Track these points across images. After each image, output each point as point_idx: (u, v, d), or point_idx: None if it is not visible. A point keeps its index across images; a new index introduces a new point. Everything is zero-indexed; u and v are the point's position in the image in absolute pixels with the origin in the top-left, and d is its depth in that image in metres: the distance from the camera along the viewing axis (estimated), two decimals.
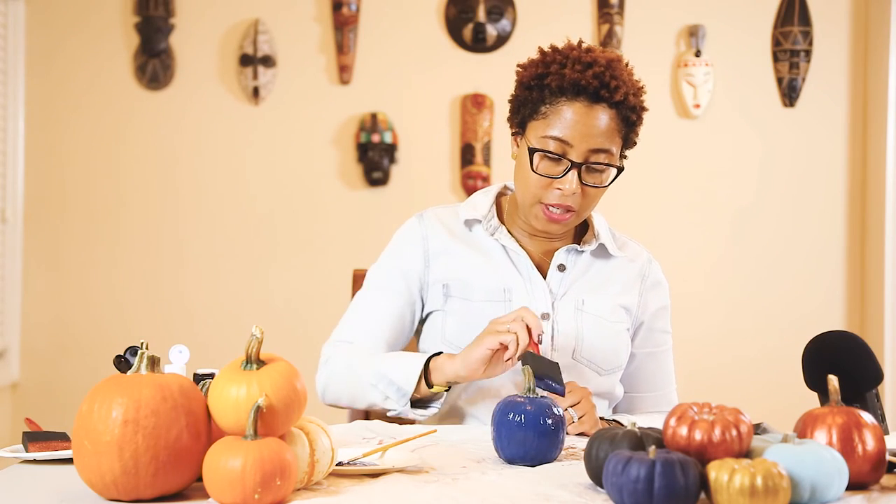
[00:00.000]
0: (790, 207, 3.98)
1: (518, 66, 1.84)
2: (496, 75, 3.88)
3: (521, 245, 1.87)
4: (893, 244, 3.87)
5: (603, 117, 1.74)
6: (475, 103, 3.86)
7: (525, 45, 3.87)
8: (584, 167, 1.75)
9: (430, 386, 1.72)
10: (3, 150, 3.77)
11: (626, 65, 1.79)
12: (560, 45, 1.81)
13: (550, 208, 1.77)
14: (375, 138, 3.81)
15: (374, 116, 3.82)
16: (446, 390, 1.73)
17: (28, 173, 3.84)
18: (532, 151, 1.76)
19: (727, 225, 3.96)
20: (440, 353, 1.74)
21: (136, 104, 3.84)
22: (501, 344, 1.63)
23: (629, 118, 1.77)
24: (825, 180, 3.98)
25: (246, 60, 3.81)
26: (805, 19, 3.92)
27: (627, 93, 1.75)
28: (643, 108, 1.80)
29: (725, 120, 3.95)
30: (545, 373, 1.59)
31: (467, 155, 3.85)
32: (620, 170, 1.79)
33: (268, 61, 3.82)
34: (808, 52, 3.92)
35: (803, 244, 3.98)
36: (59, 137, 3.84)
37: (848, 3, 3.96)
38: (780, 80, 3.95)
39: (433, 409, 1.75)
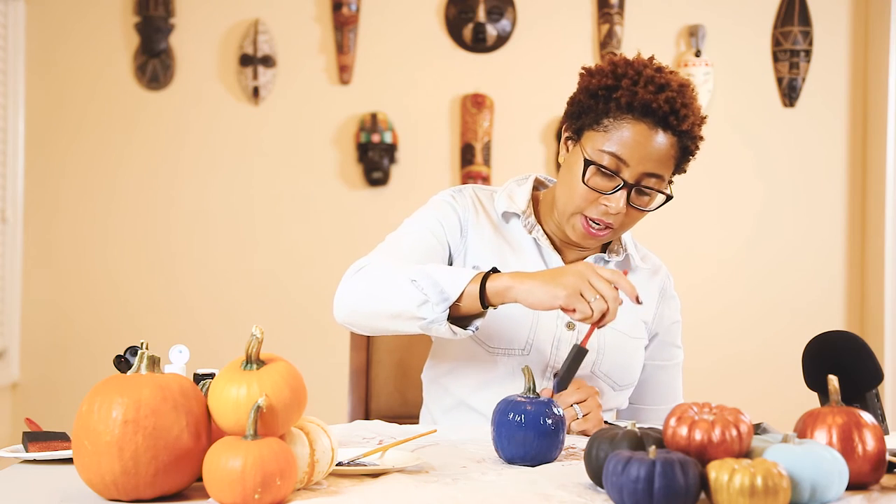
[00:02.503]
0: (790, 207, 3.97)
1: (584, 69, 1.78)
2: (496, 75, 3.88)
3: (553, 246, 1.85)
4: (893, 244, 3.86)
5: (664, 143, 1.71)
6: (475, 103, 3.86)
7: (525, 45, 3.89)
8: (634, 189, 1.72)
9: (484, 305, 1.59)
10: (3, 150, 3.77)
11: (693, 90, 1.75)
12: (630, 57, 1.76)
13: (591, 222, 1.74)
14: (375, 138, 3.81)
15: (374, 116, 3.82)
16: (479, 316, 1.62)
17: (28, 173, 3.84)
18: (587, 163, 1.71)
19: (726, 225, 3.96)
20: (491, 271, 1.61)
21: (136, 104, 3.84)
22: (575, 309, 1.53)
23: (688, 147, 1.75)
24: (825, 180, 3.98)
25: (246, 60, 3.81)
26: (805, 19, 3.92)
27: (694, 123, 1.72)
28: (701, 139, 1.77)
29: (725, 120, 3.94)
30: (566, 367, 1.55)
31: (467, 155, 3.85)
32: (669, 198, 1.76)
33: (268, 61, 3.82)
34: (808, 52, 3.92)
35: (803, 244, 3.97)
36: (58, 137, 3.85)
37: (848, 3, 3.96)
38: (780, 80, 3.95)
39: (470, 331, 1.62)
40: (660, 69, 1.73)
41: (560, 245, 1.86)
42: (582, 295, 1.52)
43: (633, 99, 1.69)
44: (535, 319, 1.79)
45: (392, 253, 1.76)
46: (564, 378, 1.55)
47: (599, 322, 1.54)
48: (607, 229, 1.75)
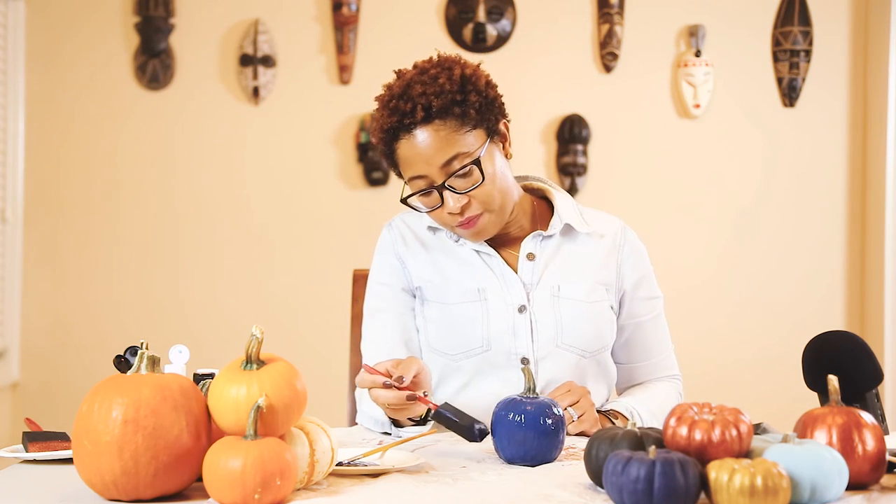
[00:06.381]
0: (790, 208, 3.98)
1: None
2: (496, 75, 3.86)
3: (488, 243, 1.86)
4: (893, 244, 3.87)
5: (427, 135, 1.73)
6: None
7: (525, 45, 3.89)
8: (448, 182, 1.74)
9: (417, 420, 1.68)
10: (3, 150, 3.77)
11: (428, 68, 1.76)
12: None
13: (461, 229, 1.79)
14: None
15: (374, 117, 3.81)
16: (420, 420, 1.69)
17: (28, 173, 3.84)
18: (411, 196, 1.78)
19: (727, 225, 3.96)
20: None
21: (135, 104, 3.84)
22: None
23: (453, 112, 1.74)
24: (825, 180, 3.98)
25: (246, 60, 3.81)
26: (805, 19, 3.92)
27: (429, 103, 1.72)
28: (467, 86, 1.75)
29: (725, 120, 3.94)
30: (462, 425, 1.47)
31: None
32: (477, 161, 1.74)
33: (268, 61, 3.81)
34: (808, 52, 3.92)
35: (803, 244, 3.98)
36: (58, 137, 3.84)
37: (848, 3, 3.96)
38: (780, 80, 3.95)
39: (427, 426, 1.68)
40: (390, 86, 1.77)
41: (493, 241, 1.88)
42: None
43: (380, 132, 1.77)
44: (486, 314, 1.81)
45: (375, 354, 1.84)
46: (462, 426, 1.48)
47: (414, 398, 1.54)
48: (476, 219, 1.77)
